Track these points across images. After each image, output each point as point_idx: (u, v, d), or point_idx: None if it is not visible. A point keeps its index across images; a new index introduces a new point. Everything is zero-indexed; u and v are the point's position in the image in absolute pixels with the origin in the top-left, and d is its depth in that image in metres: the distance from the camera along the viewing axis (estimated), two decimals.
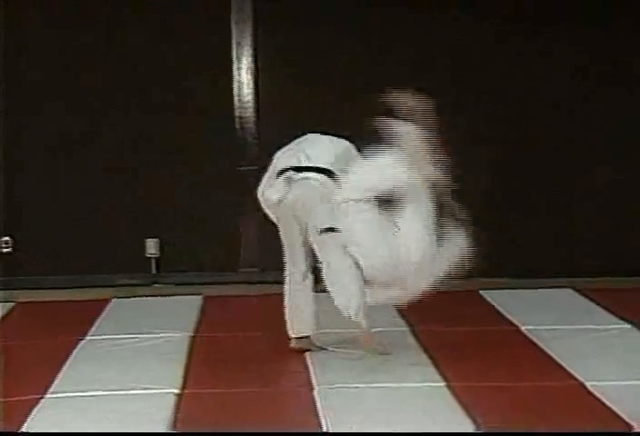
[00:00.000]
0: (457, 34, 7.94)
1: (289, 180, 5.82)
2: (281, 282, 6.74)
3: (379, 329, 6.28)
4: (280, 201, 5.83)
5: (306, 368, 5.51)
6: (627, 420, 4.54)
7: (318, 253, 5.74)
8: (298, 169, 5.83)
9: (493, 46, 7.98)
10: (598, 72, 8.02)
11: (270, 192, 5.88)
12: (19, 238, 7.95)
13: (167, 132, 8.02)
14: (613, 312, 6.51)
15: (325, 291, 5.74)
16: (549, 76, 8.02)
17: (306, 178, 5.79)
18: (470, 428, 4.51)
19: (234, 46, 8.04)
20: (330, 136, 6.00)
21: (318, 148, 5.91)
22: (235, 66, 8.06)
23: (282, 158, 5.95)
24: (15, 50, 7.84)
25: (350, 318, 5.66)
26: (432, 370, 5.42)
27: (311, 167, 5.81)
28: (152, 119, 8.00)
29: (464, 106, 7.86)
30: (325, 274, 5.71)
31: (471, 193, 7.93)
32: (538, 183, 8.08)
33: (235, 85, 8.08)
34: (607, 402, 4.80)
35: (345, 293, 5.65)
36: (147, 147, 8.03)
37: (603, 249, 8.04)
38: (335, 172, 5.76)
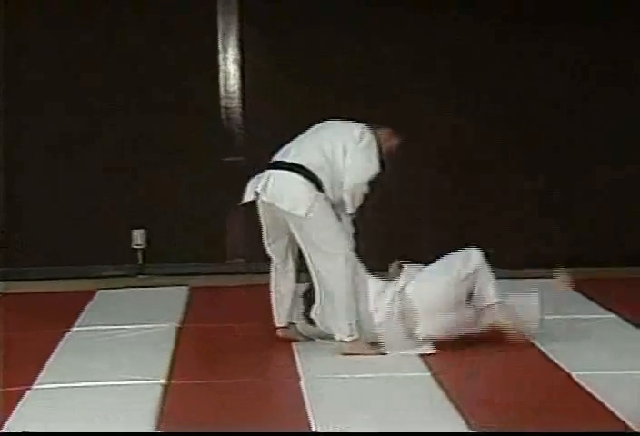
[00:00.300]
0: (457, 34, 7.94)
1: (259, 178, 5.64)
2: (268, 273, 6.74)
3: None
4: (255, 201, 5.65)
5: (293, 358, 5.51)
6: (613, 410, 4.56)
7: (309, 259, 5.62)
8: (275, 164, 5.65)
9: (492, 46, 7.97)
10: (598, 72, 8.02)
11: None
12: (7, 231, 7.94)
13: (155, 125, 8.01)
14: (597, 302, 6.53)
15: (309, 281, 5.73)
16: (549, 76, 8.01)
17: (271, 176, 5.58)
18: (456, 418, 4.52)
19: (219, 37, 8.03)
20: (344, 123, 5.72)
21: (308, 141, 5.67)
22: (220, 57, 8.05)
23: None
24: (15, 50, 7.82)
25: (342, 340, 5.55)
26: (418, 359, 5.43)
27: (284, 163, 5.60)
28: (140, 114, 7.99)
29: (464, 106, 7.89)
30: (315, 282, 5.65)
31: (469, 194, 8.05)
32: (537, 183, 8.09)
33: (221, 76, 8.07)
34: (593, 392, 4.82)
35: (336, 314, 5.54)
36: (139, 143, 8.01)
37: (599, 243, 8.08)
38: (314, 170, 5.52)
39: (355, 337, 5.52)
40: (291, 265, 5.81)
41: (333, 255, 5.50)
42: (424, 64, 7.91)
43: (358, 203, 5.64)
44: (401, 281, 5.60)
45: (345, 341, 5.53)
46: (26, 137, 7.93)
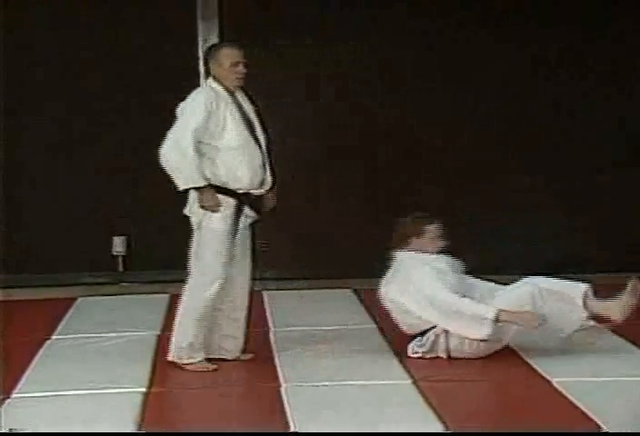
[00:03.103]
0: (456, 35, 7.96)
1: None
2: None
3: (346, 327, 6.31)
4: None
5: (274, 366, 5.50)
6: (592, 416, 4.57)
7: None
8: None
9: (492, 47, 7.99)
10: (598, 72, 8.05)
11: None
12: None
13: (132, 130, 8.00)
14: None
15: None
16: (549, 76, 8.03)
17: None
18: (436, 425, 4.53)
19: (200, 43, 8.02)
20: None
21: None
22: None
23: None
24: (15, 50, 7.79)
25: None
26: (398, 367, 5.43)
27: None
28: (120, 122, 7.98)
29: (464, 107, 7.93)
30: None
31: (467, 194, 8.07)
32: (533, 184, 8.12)
33: (203, 82, 8.06)
34: (573, 399, 4.84)
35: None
36: (118, 151, 8.00)
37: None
38: None
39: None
40: None
41: None
42: (418, 72, 7.96)
43: None
44: None
45: None
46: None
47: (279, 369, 5.44)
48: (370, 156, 8.08)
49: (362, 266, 7.99)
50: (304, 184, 7.93)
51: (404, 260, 5.63)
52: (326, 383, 5.18)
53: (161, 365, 5.54)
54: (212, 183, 5.37)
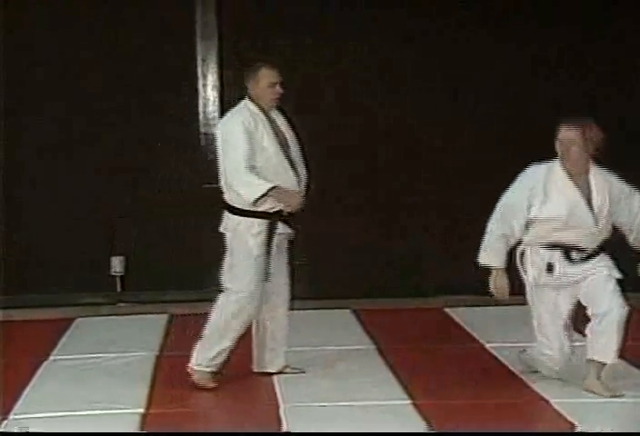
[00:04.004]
0: (456, 35, 7.95)
1: None
2: None
3: (345, 347, 6.29)
4: None
5: (272, 386, 5.50)
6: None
7: None
8: None
9: (492, 47, 7.96)
10: (598, 72, 8.03)
11: None
12: None
13: (132, 148, 8.01)
14: (577, 331, 6.53)
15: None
16: (549, 77, 8.01)
17: None
18: None
19: (199, 63, 8.05)
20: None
21: None
22: (200, 83, 8.07)
23: None
24: (15, 50, 7.78)
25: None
26: (397, 387, 5.42)
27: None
28: (119, 139, 7.98)
29: (464, 107, 7.93)
30: None
31: (467, 194, 8.03)
32: None
33: (201, 102, 8.08)
34: (571, 419, 4.83)
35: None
36: (118, 171, 8.00)
37: None
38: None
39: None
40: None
41: None
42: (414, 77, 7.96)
43: None
44: None
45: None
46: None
47: (278, 389, 5.43)
48: (370, 156, 8.08)
49: (361, 286, 8.01)
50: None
51: None
52: (325, 404, 5.18)
53: (159, 386, 5.54)
54: (242, 207, 5.47)
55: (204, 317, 7.40)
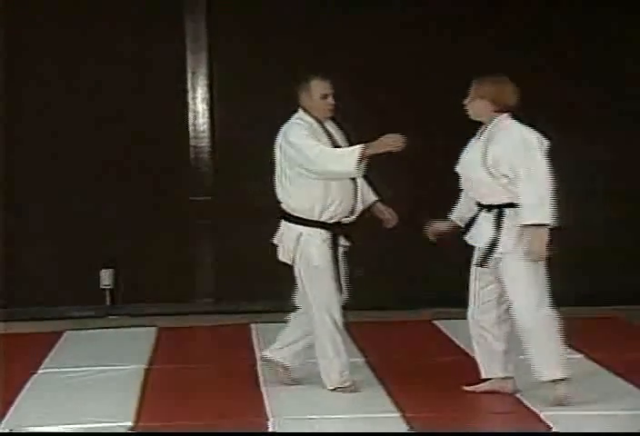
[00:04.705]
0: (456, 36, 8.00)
1: None
2: (236, 312, 6.74)
3: None
4: None
5: (261, 399, 5.49)
6: None
7: None
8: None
9: (492, 57, 8.00)
10: (599, 72, 8.09)
11: None
12: None
13: (121, 161, 8.01)
14: (564, 342, 6.55)
15: None
16: (549, 76, 8.03)
17: None
18: None
19: (189, 76, 8.06)
20: None
21: None
22: (189, 96, 8.08)
23: None
24: (15, 50, 7.80)
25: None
26: (387, 400, 5.42)
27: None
28: (106, 151, 7.99)
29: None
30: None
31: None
32: None
33: (191, 115, 8.10)
34: (558, 430, 4.83)
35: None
36: (107, 183, 8.00)
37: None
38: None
39: None
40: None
41: None
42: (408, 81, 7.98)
43: None
44: None
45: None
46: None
47: (267, 402, 5.42)
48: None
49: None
50: None
51: None
52: (314, 417, 5.17)
53: (148, 399, 5.52)
54: (303, 216, 5.49)
55: (193, 330, 7.45)
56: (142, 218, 8.05)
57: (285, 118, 7.99)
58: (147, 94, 7.99)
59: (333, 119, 5.66)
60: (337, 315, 5.54)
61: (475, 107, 5.35)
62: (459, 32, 7.98)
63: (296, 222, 5.52)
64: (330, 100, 5.57)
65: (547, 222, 5.14)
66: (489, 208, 5.29)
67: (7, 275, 7.89)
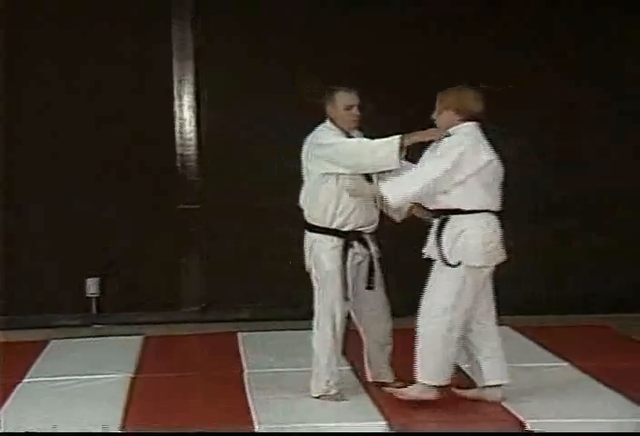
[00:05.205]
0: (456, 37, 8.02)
1: None
2: (222, 321, 6.68)
3: None
4: None
5: (247, 408, 5.48)
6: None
7: None
8: None
9: (492, 57, 8.01)
10: (599, 72, 8.10)
11: None
12: None
13: (107, 168, 7.99)
14: (550, 350, 6.57)
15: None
16: (550, 77, 8.06)
17: None
18: None
19: (175, 83, 8.06)
20: None
21: None
22: (176, 104, 8.08)
23: None
24: (15, 50, 7.78)
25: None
26: (373, 409, 5.42)
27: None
28: (93, 159, 7.97)
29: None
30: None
31: None
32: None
33: (177, 123, 8.09)
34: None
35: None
36: (92, 190, 7.98)
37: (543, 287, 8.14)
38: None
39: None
40: None
41: None
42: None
43: None
44: None
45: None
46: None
47: (253, 411, 5.42)
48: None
49: None
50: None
51: None
52: (300, 425, 5.17)
53: (134, 408, 5.51)
54: (317, 224, 5.57)
55: (179, 338, 7.43)
56: (129, 226, 8.03)
57: (274, 125, 8.04)
58: (147, 93, 7.98)
59: (360, 129, 5.71)
60: (339, 322, 5.58)
61: (442, 119, 5.45)
62: (459, 32, 8.01)
63: (311, 230, 5.62)
64: (355, 111, 5.63)
65: (390, 196, 5.30)
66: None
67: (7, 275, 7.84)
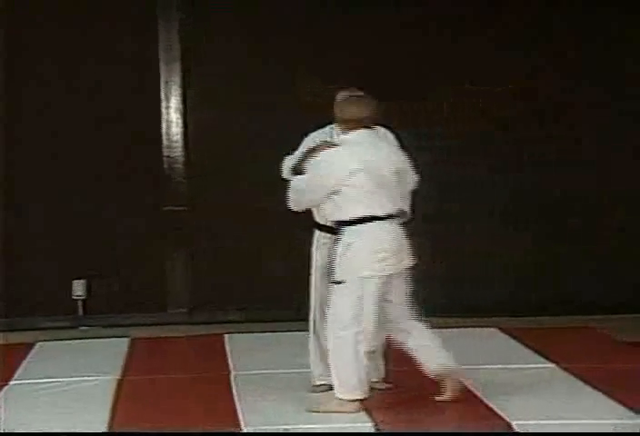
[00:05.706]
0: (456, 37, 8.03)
1: None
2: (209, 323, 6.68)
3: (306, 370, 6.29)
4: None
5: (235, 409, 5.48)
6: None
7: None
8: None
9: (492, 57, 8.04)
10: (600, 73, 8.12)
11: None
12: None
13: (94, 171, 7.98)
14: (537, 352, 6.59)
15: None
16: (552, 83, 8.08)
17: None
18: None
19: (162, 85, 8.05)
20: None
21: None
22: (163, 105, 8.08)
23: None
24: (15, 50, 7.76)
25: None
26: (361, 411, 5.42)
27: None
28: (79, 161, 7.96)
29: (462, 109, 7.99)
30: None
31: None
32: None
33: (164, 125, 8.08)
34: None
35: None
36: (78, 191, 7.97)
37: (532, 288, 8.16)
38: None
39: None
40: None
41: None
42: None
43: None
44: None
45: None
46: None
47: (240, 412, 5.41)
48: None
49: None
50: None
51: None
52: (288, 427, 5.17)
53: (120, 410, 5.51)
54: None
55: (166, 340, 7.43)
56: (115, 228, 8.02)
57: (261, 126, 8.02)
58: (147, 94, 7.96)
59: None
60: (318, 316, 5.60)
61: (340, 129, 5.47)
62: (459, 32, 8.03)
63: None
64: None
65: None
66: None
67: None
